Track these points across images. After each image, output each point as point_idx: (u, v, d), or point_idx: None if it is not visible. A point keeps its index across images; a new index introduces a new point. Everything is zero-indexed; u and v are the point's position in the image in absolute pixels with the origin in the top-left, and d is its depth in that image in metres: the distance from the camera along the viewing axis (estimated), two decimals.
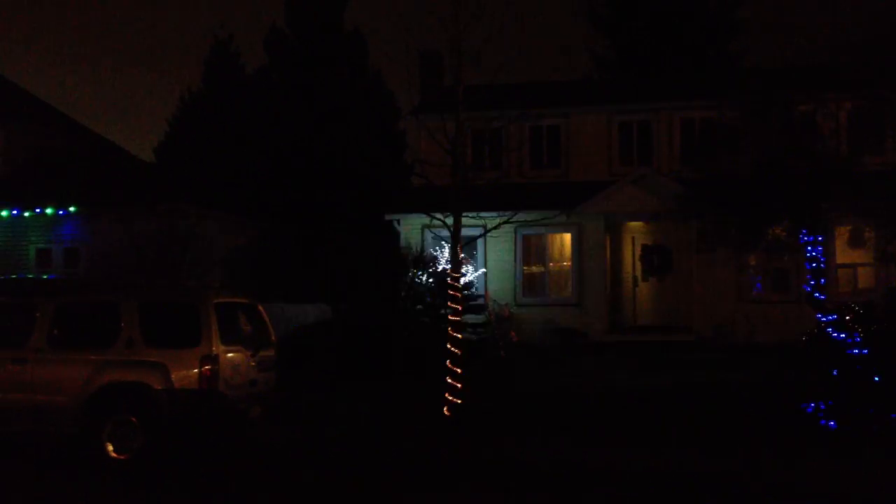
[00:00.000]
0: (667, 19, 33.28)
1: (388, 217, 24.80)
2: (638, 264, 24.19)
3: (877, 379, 12.25)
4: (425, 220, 22.21)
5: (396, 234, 24.32)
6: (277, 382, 12.91)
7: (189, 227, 20.90)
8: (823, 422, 12.43)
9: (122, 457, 11.13)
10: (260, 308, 12.84)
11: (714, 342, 21.48)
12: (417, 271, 20.10)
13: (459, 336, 14.65)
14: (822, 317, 16.61)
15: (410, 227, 23.88)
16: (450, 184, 17.20)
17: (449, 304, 14.98)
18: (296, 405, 14.24)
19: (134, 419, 11.16)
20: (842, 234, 21.39)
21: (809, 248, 17.09)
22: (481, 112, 21.24)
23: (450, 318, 14.82)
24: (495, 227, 16.77)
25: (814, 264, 17.04)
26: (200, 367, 11.17)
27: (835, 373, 12.91)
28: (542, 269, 24.12)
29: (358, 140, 29.91)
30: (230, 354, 11.59)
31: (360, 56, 34.03)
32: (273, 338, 12.84)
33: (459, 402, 14.08)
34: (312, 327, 19.15)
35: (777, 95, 17.56)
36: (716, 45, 33.71)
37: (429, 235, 22.69)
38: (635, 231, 24.18)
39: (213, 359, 11.22)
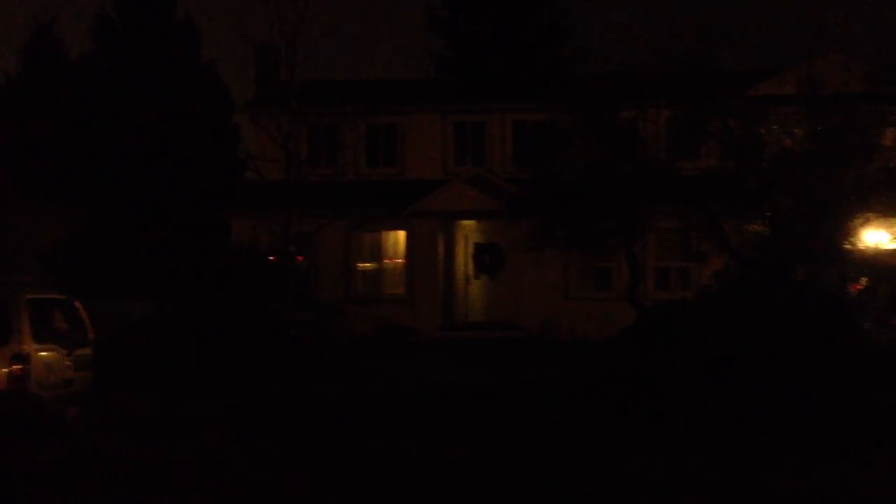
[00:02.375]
0: (502, 23, 34.03)
1: (220, 212, 24.24)
2: (471, 262, 24.66)
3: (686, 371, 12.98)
4: (258, 215, 21.90)
5: (229, 230, 23.79)
6: (96, 382, 12.36)
7: (2, 218, 19.71)
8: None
9: None
10: (77, 304, 12.26)
11: (542, 338, 22.20)
12: (249, 267, 19.70)
13: (292, 333, 14.53)
14: (641, 312, 17.51)
15: (243, 223, 23.39)
16: (283, 180, 17.03)
17: (281, 300, 14.83)
18: (114, 407, 13.66)
19: None
20: (661, 235, 22.50)
21: (630, 248, 17.92)
22: (318, 108, 21.11)
23: (282, 314, 14.67)
24: (328, 224, 16.72)
25: (634, 263, 17.87)
26: (10, 367, 10.59)
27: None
28: (377, 266, 24.22)
29: (189, 132, 29.05)
30: (43, 353, 11.03)
31: (193, 47, 33.03)
32: (91, 335, 12.29)
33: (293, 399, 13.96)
34: (138, 325, 18.44)
35: (603, 102, 18.29)
36: (549, 51, 34.73)
37: (262, 231, 22.29)
38: (468, 230, 24.63)
39: (24, 357, 10.66)
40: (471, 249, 24.71)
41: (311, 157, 22.64)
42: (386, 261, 24.40)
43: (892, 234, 19.14)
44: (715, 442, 11.36)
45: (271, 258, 19.94)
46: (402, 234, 24.08)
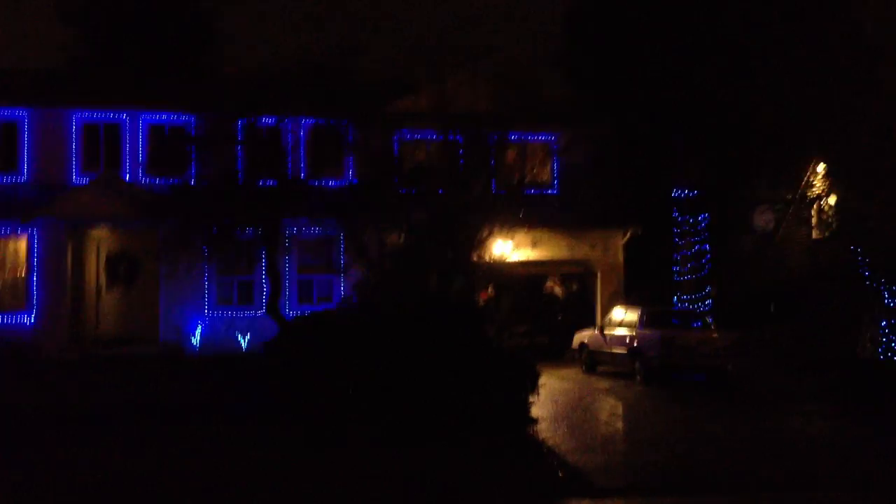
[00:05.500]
0: (141, 21, 32.34)
1: None
2: (103, 273, 22.95)
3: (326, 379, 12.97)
4: None
5: None
6: None
7: None
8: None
9: None
10: None
11: (180, 352, 21.18)
12: None
13: None
14: (282, 325, 17.26)
15: None
16: None
17: None
18: None
19: None
20: (304, 245, 22.47)
21: (271, 258, 17.61)
22: None
23: None
24: None
25: (275, 274, 17.57)
26: None
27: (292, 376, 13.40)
28: None
29: None
30: None
31: None
32: None
33: None
34: None
35: (242, 108, 17.85)
36: (193, 55, 33.58)
37: None
38: (101, 238, 22.91)
39: None
40: (103, 259, 22.99)
41: None
42: (4, 272, 21.97)
43: (515, 247, 20.70)
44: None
45: None
46: (23, 242, 21.82)
